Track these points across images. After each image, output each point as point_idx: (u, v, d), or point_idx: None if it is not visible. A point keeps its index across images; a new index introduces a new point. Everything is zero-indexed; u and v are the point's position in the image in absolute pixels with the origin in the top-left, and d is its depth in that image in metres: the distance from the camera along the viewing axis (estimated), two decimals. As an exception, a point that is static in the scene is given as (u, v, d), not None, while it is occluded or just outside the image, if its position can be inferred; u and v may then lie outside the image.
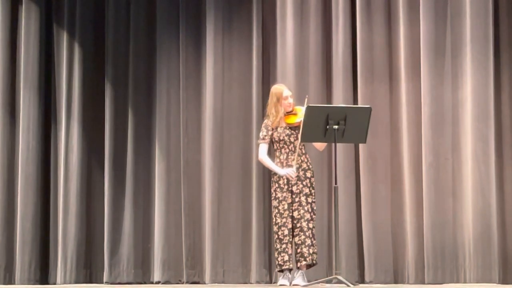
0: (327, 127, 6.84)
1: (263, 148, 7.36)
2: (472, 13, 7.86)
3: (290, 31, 8.43)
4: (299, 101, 7.40)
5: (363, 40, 8.19)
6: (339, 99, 8.13)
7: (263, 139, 7.35)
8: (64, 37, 9.04)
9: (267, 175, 8.29)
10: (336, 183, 7.00)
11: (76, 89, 8.93)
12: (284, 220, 7.22)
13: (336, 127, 6.83)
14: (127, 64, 8.93)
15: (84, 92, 8.96)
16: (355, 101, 8.21)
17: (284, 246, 7.21)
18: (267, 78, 8.54)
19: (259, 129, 7.52)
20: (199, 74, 8.77)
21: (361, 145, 8.06)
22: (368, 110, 6.95)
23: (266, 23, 8.63)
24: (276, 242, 7.26)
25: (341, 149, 8.00)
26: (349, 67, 8.25)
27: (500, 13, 7.95)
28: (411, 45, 8.07)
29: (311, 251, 7.19)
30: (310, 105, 6.99)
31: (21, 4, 9.11)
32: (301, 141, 7.18)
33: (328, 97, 8.34)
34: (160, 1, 8.88)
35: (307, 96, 7.33)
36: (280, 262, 7.24)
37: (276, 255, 7.27)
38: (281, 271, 7.27)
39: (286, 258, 7.22)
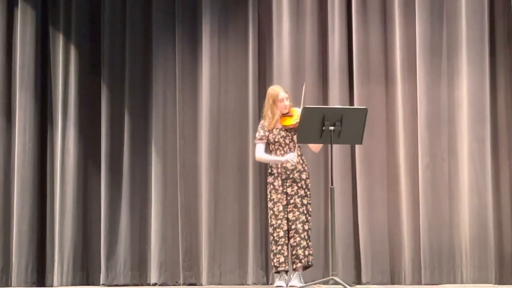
0: (323, 128, 6.82)
1: (260, 147, 7.32)
2: (468, 14, 7.86)
3: (286, 33, 8.43)
4: (296, 102, 7.40)
5: (359, 41, 8.19)
6: (335, 100, 8.13)
7: (260, 139, 7.32)
8: (60, 39, 9.03)
9: (264, 176, 8.28)
10: (332, 184, 6.99)
11: (72, 91, 8.93)
12: (279, 221, 7.21)
13: (332, 128, 6.81)
14: (123, 66, 8.92)
15: (80, 94, 8.95)
16: (351, 102, 8.20)
17: (279, 247, 7.21)
18: (263, 79, 8.54)
19: (255, 131, 7.51)
20: (195, 76, 8.76)
21: (357, 146, 8.06)
22: (364, 111, 6.94)
23: (262, 25, 8.63)
24: (271, 243, 7.25)
25: (337, 150, 8.01)
26: (345, 68, 8.25)
27: (496, 13, 7.95)
28: (407, 46, 8.07)
29: (306, 252, 7.18)
30: (306, 106, 6.98)
31: (17, 6, 9.10)
32: (298, 143, 7.17)
33: (324, 98, 8.34)
34: (156, 2, 8.88)
35: (304, 84, 7.33)
36: (275, 264, 7.23)
37: (272, 256, 7.26)
38: (278, 272, 7.27)
39: (282, 259, 7.20)
